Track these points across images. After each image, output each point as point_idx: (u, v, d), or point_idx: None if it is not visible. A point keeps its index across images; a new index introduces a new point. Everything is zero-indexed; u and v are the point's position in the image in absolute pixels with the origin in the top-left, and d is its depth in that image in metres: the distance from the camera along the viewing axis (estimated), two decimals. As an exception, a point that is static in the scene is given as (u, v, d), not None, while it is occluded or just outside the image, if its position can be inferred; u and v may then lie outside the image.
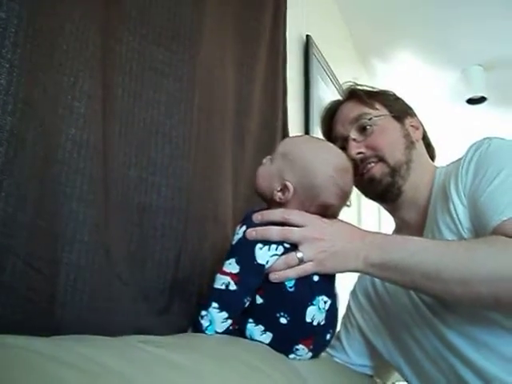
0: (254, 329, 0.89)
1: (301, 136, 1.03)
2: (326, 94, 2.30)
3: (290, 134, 1.62)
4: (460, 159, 1.06)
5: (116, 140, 0.91)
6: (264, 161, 0.99)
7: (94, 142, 0.80)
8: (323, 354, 1.20)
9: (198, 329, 0.87)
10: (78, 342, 0.56)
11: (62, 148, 0.75)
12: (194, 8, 1.09)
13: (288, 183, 0.92)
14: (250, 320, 0.90)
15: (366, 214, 2.93)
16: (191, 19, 1.08)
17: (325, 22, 2.61)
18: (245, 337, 0.89)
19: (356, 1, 2.74)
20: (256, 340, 0.89)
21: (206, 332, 0.86)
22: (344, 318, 1.31)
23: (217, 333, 0.87)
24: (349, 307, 1.31)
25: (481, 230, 0.94)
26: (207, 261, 1.06)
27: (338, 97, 1.37)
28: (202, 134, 1.10)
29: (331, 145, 1.03)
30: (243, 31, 1.37)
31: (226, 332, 0.89)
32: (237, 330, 0.90)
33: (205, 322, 0.86)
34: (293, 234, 0.90)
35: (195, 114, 1.07)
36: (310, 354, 0.92)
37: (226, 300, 0.87)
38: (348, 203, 2.74)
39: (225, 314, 0.87)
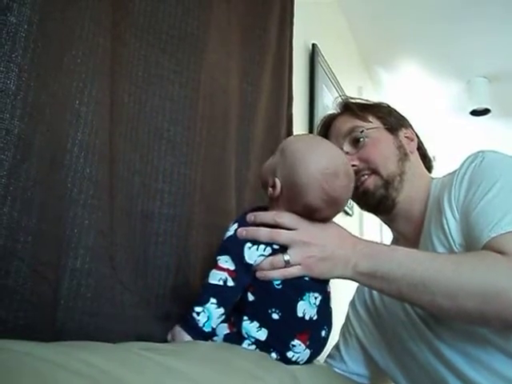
0: (249, 326, 0.89)
1: (307, 135, 1.01)
2: (331, 102, 2.30)
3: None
4: (455, 172, 1.06)
5: (121, 146, 0.91)
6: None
7: (100, 148, 0.80)
8: (322, 363, 1.20)
9: (192, 325, 0.86)
10: (81, 348, 0.56)
11: (68, 153, 0.75)
12: (200, 16, 1.10)
13: (276, 180, 0.93)
14: (245, 317, 0.90)
15: (367, 224, 2.94)
16: (197, 27, 1.09)
17: (331, 31, 2.62)
18: (242, 336, 0.90)
19: (362, 11, 2.75)
20: (253, 337, 0.89)
21: (204, 328, 0.86)
22: (343, 327, 1.32)
23: (212, 329, 0.87)
24: (348, 317, 1.32)
25: (472, 245, 0.93)
26: (208, 267, 1.06)
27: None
28: (206, 140, 1.10)
29: (332, 147, 0.98)
30: (249, 39, 1.38)
31: (226, 336, 0.90)
32: (235, 333, 0.91)
33: (202, 318, 0.86)
34: (281, 236, 0.90)
35: (199, 121, 1.07)
36: (308, 351, 0.92)
37: (224, 296, 0.88)
38: (350, 212, 2.73)
39: (222, 310, 0.87)
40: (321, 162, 0.91)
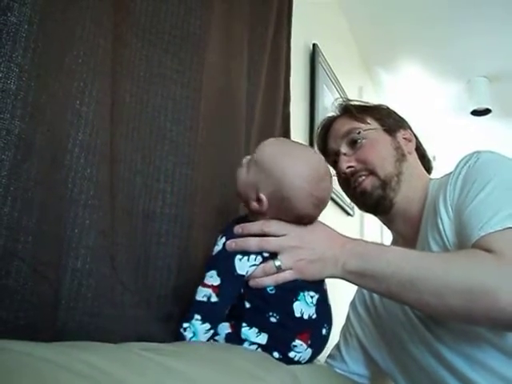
0: (248, 332, 0.90)
1: (277, 142, 1.00)
2: (331, 102, 2.30)
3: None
4: (451, 172, 1.07)
5: (122, 146, 0.91)
6: (244, 161, 0.98)
7: (101, 148, 0.80)
8: (323, 363, 1.20)
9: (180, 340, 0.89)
10: (82, 349, 0.56)
11: (69, 153, 0.75)
12: (202, 15, 1.10)
13: (262, 196, 0.92)
14: (244, 324, 0.91)
15: (368, 225, 2.94)
16: (199, 26, 1.08)
17: (331, 32, 2.62)
18: (242, 340, 0.90)
19: (363, 11, 2.75)
20: (253, 342, 0.90)
21: None
22: (343, 328, 1.33)
23: None
24: (348, 317, 1.32)
25: (464, 244, 0.94)
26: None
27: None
28: (208, 141, 1.10)
29: (308, 152, 0.99)
30: (251, 38, 1.37)
31: (227, 336, 0.91)
32: (234, 334, 0.91)
33: (188, 334, 0.88)
34: (270, 244, 0.91)
35: (201, 121, 1.07)
36: (310, 350, 0.92)
37: (207, 312, 0.89)
38: (351, 213, 2.73)
39: (207, 326, 0.89)
40: (304, 171, 0.92)
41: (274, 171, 0.92)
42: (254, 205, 0.94)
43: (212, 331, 0.90)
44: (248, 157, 0.99)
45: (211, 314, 0.90)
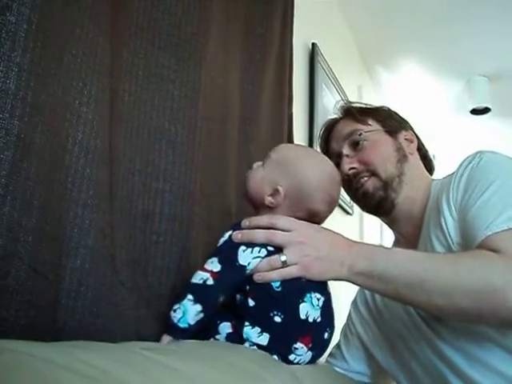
0: (250, 331, 0.89)
1: (295, 144, 1.08)
2: (331, 101, 2.30)
3: (295, 141, 1.63)
4: (453, 173, 1.07)
5: (121, 146, 0.91)
6: (254, 166, 1.03)
7: (100, 148, 0.80)
8: (323, 362, 1.20)
9: (168, 324, 0.87)
10: (83, 348, 0.56)
11: (68, 153, 0.75)
12: (201, 14, 1.10)
13: (279, 187, 0.96)
14: (246, 323, 0.90)
15: (367, 223, 2.93)
16: (198, 26, 1.08)
17: (331, 31, 2.62)
18: (243, 340, 0.90)
19: (362, 10, 2.75)
20: (254, 342, 0.89)
21: (179, 324, 0.86)
22: (344, 327, 1.33)
23: (189, 325, 0.86)
24: (349, 316, 1.32)
25: (469, 244, 0.94)
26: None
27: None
28: (206, 140, 1.10)
29: (323, 155, 1.10)
30: (250, 38, 1.38)
31: (228, 335, 0.91)
32: (235, 334, 0.91)
33: (177, 315, 0.86)
34: (276, 237, 0.91)
35: (199, 121, 1.07)
36: (310, 353, 0.92)
37: (201, 293, 0.88)
38: (350, 211, 2.73)
39: (199, 307, 0.87)
40: (324, 169, 1.01)
41: (295, 164, 0.98)
42: (269, 199, 0.97)
43: (202, 315, 0.87)
44: (259, 162, 1.03)
45: (204, 296, 0.88)
